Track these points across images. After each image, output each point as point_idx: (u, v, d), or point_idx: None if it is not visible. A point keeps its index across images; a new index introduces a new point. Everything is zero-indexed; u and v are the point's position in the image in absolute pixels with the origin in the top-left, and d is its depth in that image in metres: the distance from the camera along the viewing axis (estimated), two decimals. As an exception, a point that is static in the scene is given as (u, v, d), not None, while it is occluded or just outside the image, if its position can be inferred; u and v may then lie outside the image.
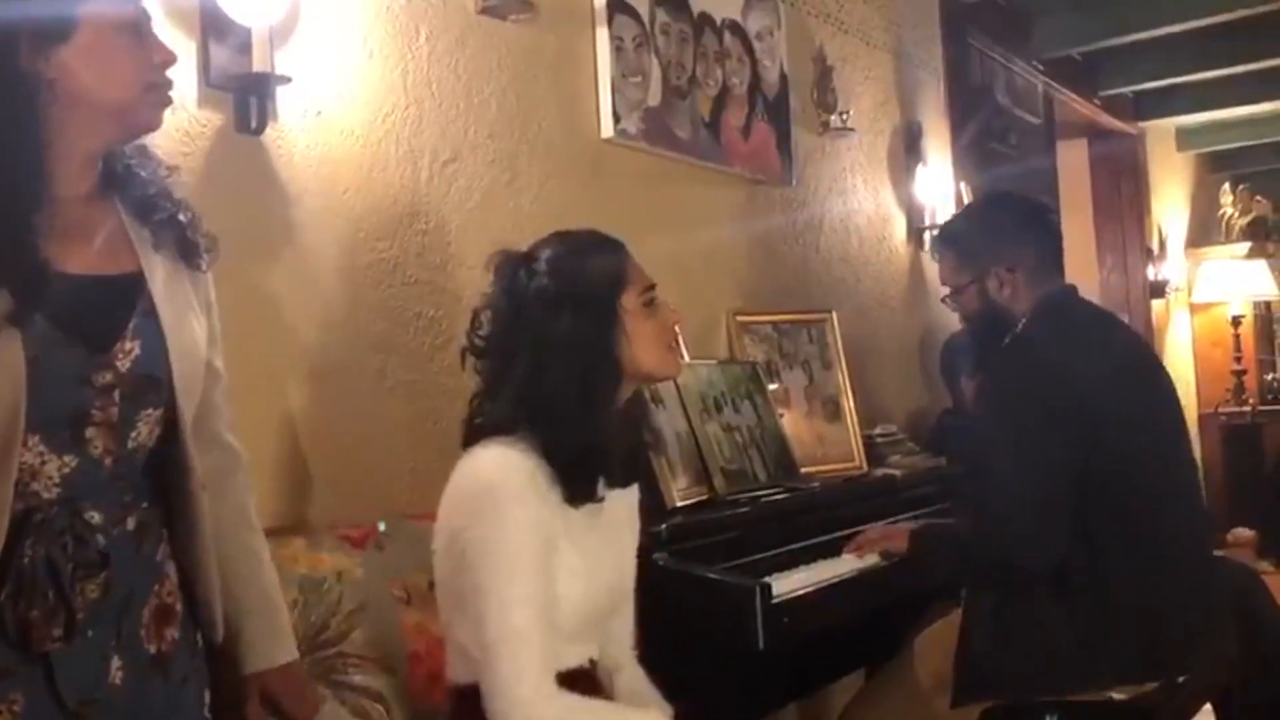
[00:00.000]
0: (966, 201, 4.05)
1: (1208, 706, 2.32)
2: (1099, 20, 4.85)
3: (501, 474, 1.43)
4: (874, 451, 2.95)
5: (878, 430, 3.07)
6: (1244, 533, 5.48)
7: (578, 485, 1.47)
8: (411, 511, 1.84)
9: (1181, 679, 1.96)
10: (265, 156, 1.86)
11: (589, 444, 1.47)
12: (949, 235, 2.32)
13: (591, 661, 1.54)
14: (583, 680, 1.49)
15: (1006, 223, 2.20)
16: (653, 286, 1.58)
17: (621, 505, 1.59)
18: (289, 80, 1.83)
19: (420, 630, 1.71)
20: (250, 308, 1.80)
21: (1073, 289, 2.17)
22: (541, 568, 1.42)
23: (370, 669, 1.67)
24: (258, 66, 1.77)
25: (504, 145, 2.29)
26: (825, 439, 2.87)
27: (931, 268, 3.84)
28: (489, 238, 2.14)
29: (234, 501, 1.40)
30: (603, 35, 2.50)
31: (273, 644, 1.41)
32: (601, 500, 1.51)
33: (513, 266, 1.55)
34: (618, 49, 2.53)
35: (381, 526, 1.80)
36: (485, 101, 2.25)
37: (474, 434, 1.51)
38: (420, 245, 2.09)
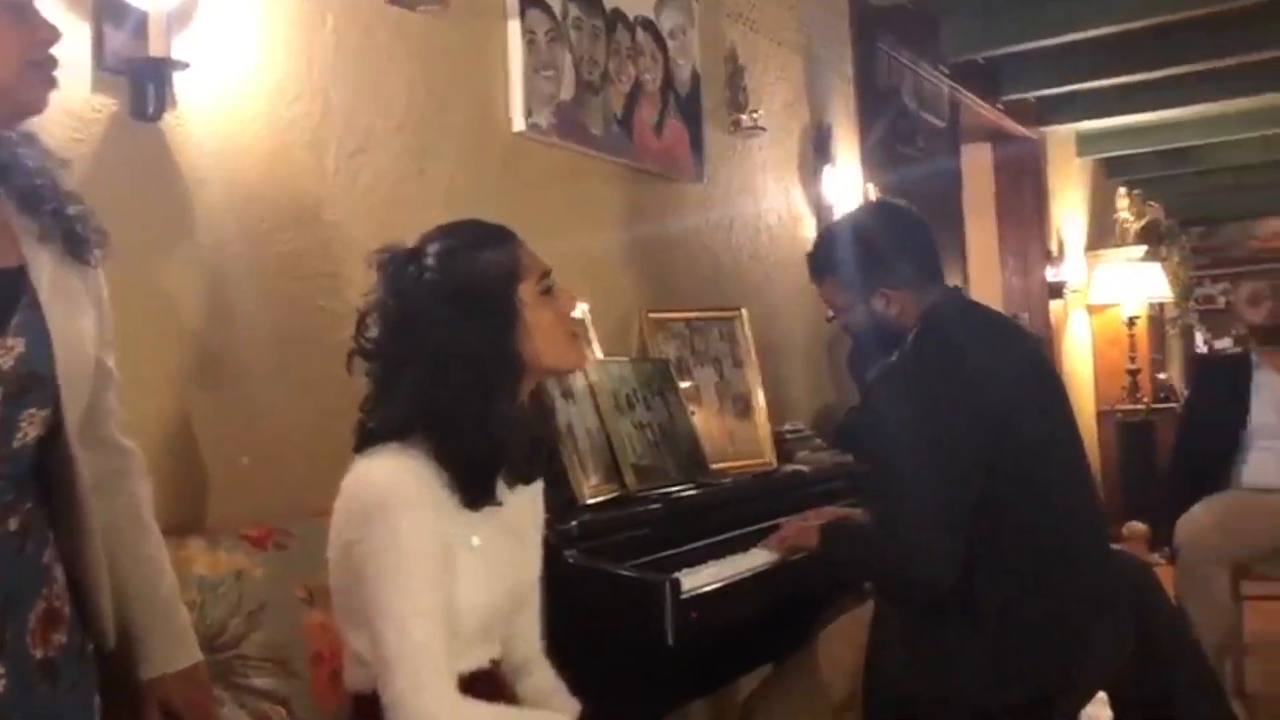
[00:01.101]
0: (872, 201, 4.11)
1: (1102, 695, 2.39)
2: (1002, 26, 4.97)
3: (394, 483, 1.38)
4: (783, 448, 2.97)
5: (787, 427, 3.10)
6: (1138, 526, 5.67)
7: (476, 489, 1.43)
8: (315, 509, 1.79)
9: (1080, 675, 2.00)
10: (162, 144, 1.80)
11: (488, 448, 1.43)
12: (825, 259, 2.21)
13: (494, 662, 1.51)
14: (484, 681, 1.46)
15: (884, 242, 2.13)
16: (549, 273, 1.53)
17: (524, 503, 1.56)
18: (187, 66, 1.77)
19: (323, 631, 1.68)
20: (146, 301, 1.74)
21: (956, 292, 2.16)
22: (438, 577, 1.38)
23: (271, 671, 1.63)
24: (154, 51, 1.71)
25: (413, 137, 2.25)
26: (736, 436, 2.88)
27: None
28: (397, 231, 2.07)
29: (127, 503, 1.36)
30: (514, 28, 2.48)
31: (169, 649, 1.37)
32: (501, 503, 1.47)
33: (399, 264, 1.48)
34: (530, 42, 2.51)
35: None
36: (393, 93, 2.21)
37: (366, 439, 1.45)
38: (325, 238, 2.05)
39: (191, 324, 1.84)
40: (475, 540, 1.46)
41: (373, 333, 1.49)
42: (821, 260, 2.22)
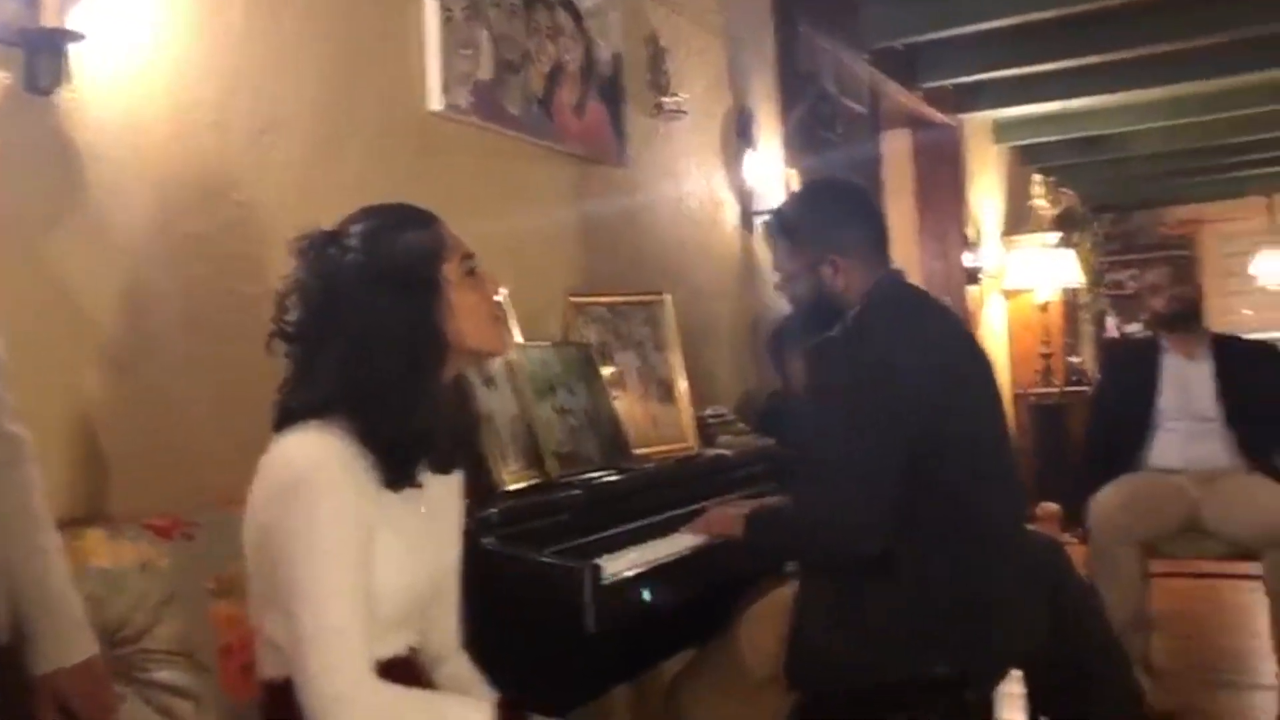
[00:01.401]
0: (794, 187, 4.13)
1: (1016, 673, 2.44)
2: (921, 13, 5.03)
3: (314, 462, 1.36)
4: (706, 432, 2.97)
5: (709, 411, 3.10)
6: (1050, 506, 5.80)
7: (398, 470, 1.42)
8: (225, 498, 1.74)
9: (995, 651, 2.04)
10: (57, 119, 1.72)
11: (411, 428, 1.42)
12: (782, 223, 2.30)
13: (411, 649, 1.50)
14: (402, 669, 1.44)
15: (839, 210, 2.22)
16: (472, 255, 1.53)
17: (445, 489, 1.55)
18: (82, 38, 1.70)
19: (233, 623, 1.63)
20: (41, 284, 1.67)
21: (901, 274, 2.22)
22: (358, 559, 1.36)
23: (177, 665, 1.58)
24: (47, 21, 1.64)
25: (325, 115, 2.19)
26: (659, 420, 2.87)
27: (763, 251, 3.90)
28: (309, 211, 2.01)
29: (16, 495, 1.30)
30: (431, 5, 2.42)
31: (63, 642, 1.32)
32: (422, 485, 1.46)
33: (320, 245, 1.47)
34: (447, 19, 2.46)
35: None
36: (304, 70, 2.15)
37: (286, 418, 1.43)
38: (233, 218, 1.98)
39: (90, 307, 1.77)
40: (423, 509, 1.47)
41: (293, 315, 1.47)
42: (779, 220, 2.29)
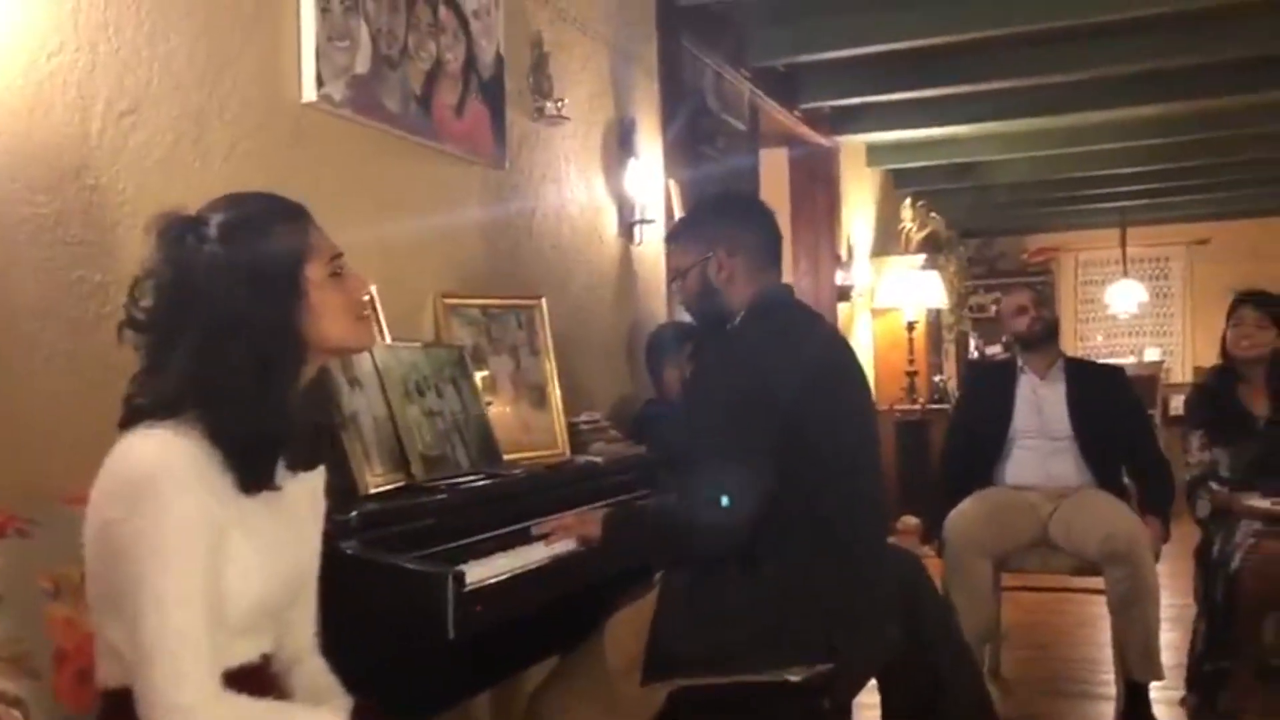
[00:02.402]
0: (674, 197, 4.17)
1: (873, 683, 2.49)
2: (801, 36, 5.13)
3: (162, 461, 1.30)
4: (578, 439, 2.96)
5: (583, 418, 3.09)
6: (911, 520, 5.97)
7: (252, 472, 1.37)
8: (66, 495, 1.65)
9: (852, 658, 2.08)
10: (-106, 88, 1.62)
11: (266, 428, 1.37)
12: (681, 221, 2.41)
13: (264, 656, 1.44)
14: (254, 676, 1.39)
15: (732, 213, 2.32)
16: (339, 255, 1.48)
17: (303, 490, 1.50)
18: (-75, 2, 1.60)
19: (70, 626, 1.54)
20: None
21: (789, 288, 2.29)
22: (206, 564, 1.30)
23: (6, 671, 1.48)
24: (-114, -18, 1.54)
25: (192, 100, 2.11)
26: (530, 426, 2.85)
27: (640, 259, 3.92)
28: (170, 198, 1.93)
29: None
30: (308, -7, 2.36)
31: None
32: (279, 488, 1.41)
33: (179, 231, 1.40)
34: (324, 10, 2.39)
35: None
36: (171, 51, 2.06)
37: (134, 415, 1.36)
38: (87, 202, 1.89)
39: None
40: (280, 510, 1.42)
41: (146, 302, 1.40)
42: (681, 220, 2.42)
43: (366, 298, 1.54)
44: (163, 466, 1.30)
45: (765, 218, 2.34)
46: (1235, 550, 3.19)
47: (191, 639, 1.27)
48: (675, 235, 2.37)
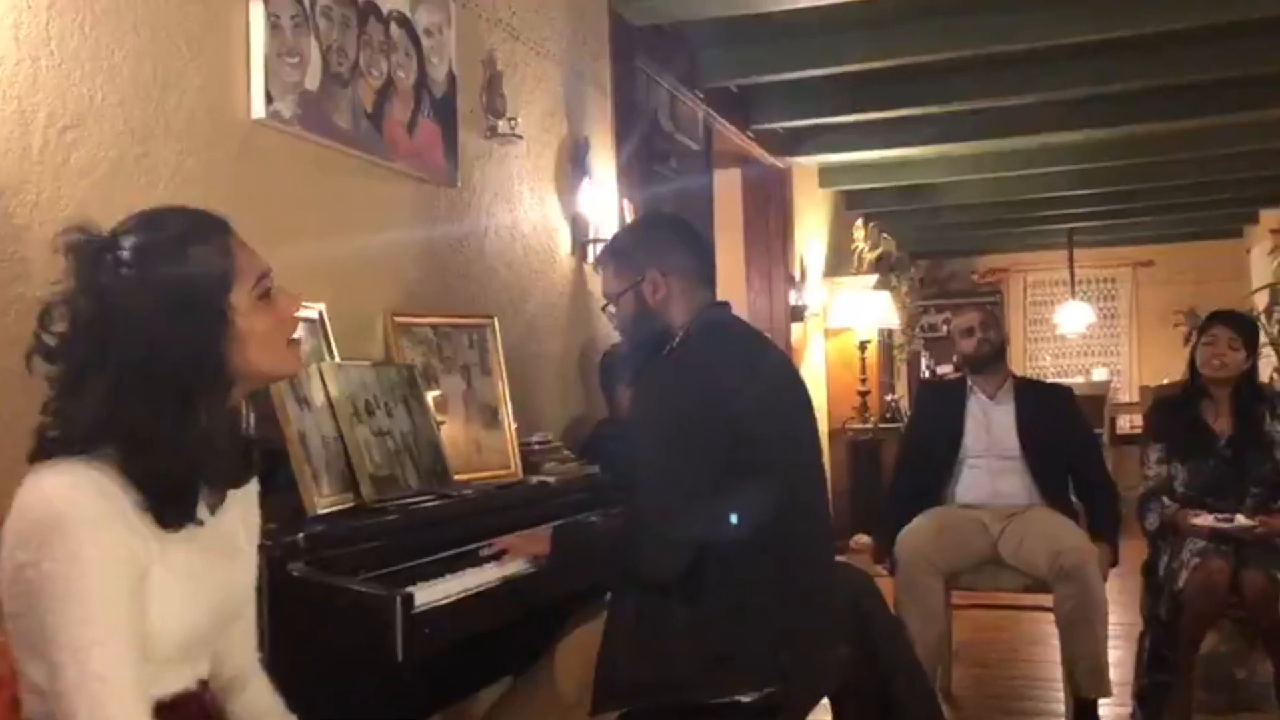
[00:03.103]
0: (628, 217, 4.17)
1: (825, 702, 2.49)
2: (754, 57, 5.17)
3: (73, 500, 1.23)
4: (530, 459, 2.94)
5: (535, 438, 3.07)
6: (863, 539, 6.01)
7: (172, 510, 1.30)
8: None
9: (803, 679, 2.08)
10: None
11: (185, 465, 1.30)
12: (610, 246, 2.38)
13: (201, 682, 1.40)
14: (190, 704, 1.35)
15: (663, 234, 2.29)
16: (267, 273, 1.40)
17: (233, 510, 1.44)
18: None
19: (2, 653, 1.50)
20: None
21: (727, 306, 2.27)
22: (125, 601, 1.25)
23: (-67, 701, 1.43)
24: None
25: (137, 115, 2.07)
26: (482, 446, 2.83)
27: (594, 280, 3.91)
28: (115, 215, 1.92)
29: None
30: (257, 9, 2.34)
31: None
32: (201, 522, 1.35)
33: (92, 253, 1.31)
34: (274, 25, 2.37)
35: None
36: (117, 65, 2.03)
37: (45, 448, 1.29)
38: (27, 219, 1.85)
39: None
40: (206, 536, 1.34)
41: (58, 328, 1.32)
42: (610, 244, 2.37)
43: (299, 317, 1.46)
44: (73, 505, 1.23)
45: (696, 237, 2.34)
46: (1180, 568, 3.23)
47: (113, 681, 1.21)
48: (605, 259, 2.34)
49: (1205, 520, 3.25)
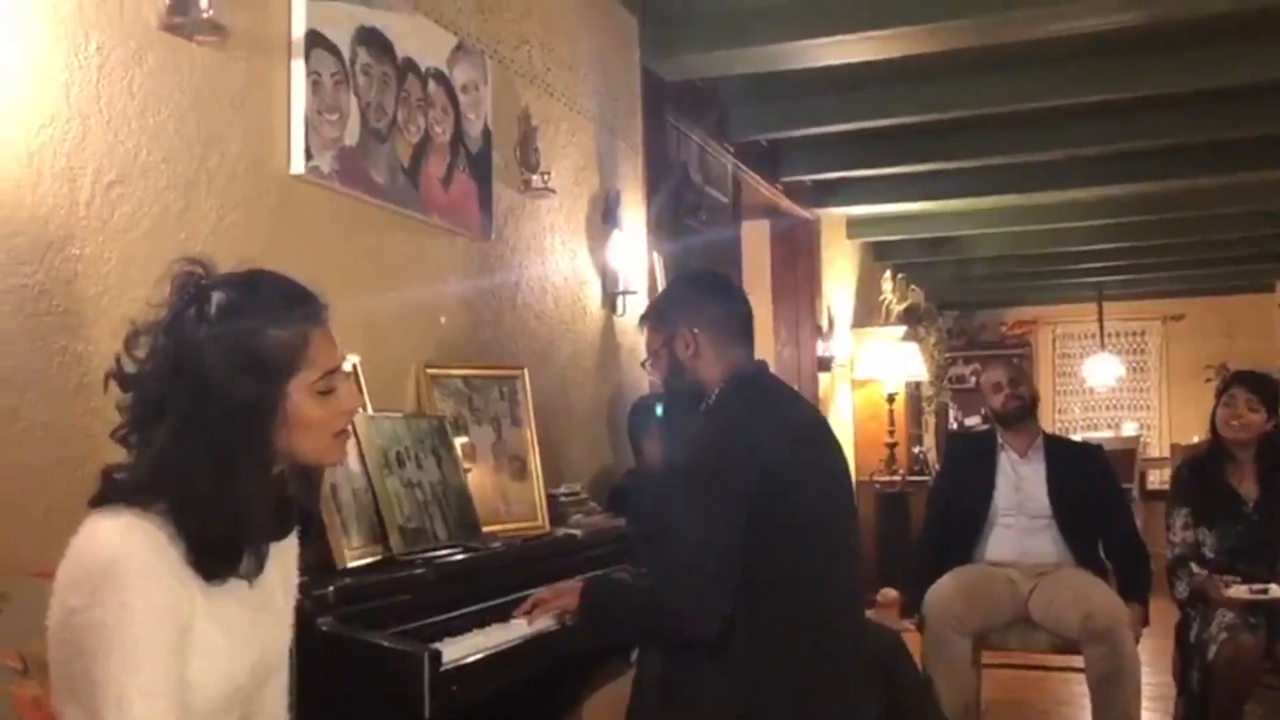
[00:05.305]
0: (658, 269, 4.21)
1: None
2: (784, 112, 5.23)
3: (125, 549, 1.26)
4: (556, 510, 2.95)
5: (562, 490, 3.08)
6: (890, 593, 5.94)
7: (214, 566, 1.33)
8: (40, 569, 1.63)
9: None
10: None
11: (225, 524, 1.32)
12: (650, 304, 2.43)
13: (233, 737, 1.41)
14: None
15: (700, 292, 2.34)
16: (336, 370, 1.43)
17: (273, 568, 1.46)
18: (-76, 76, 1.61)
19: (38, 706, 1.51)
20: None
21: (763, 364, 2.30)
22: (168, 654, 1.27)
23: (-29, 752, 1.45)
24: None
25: (180, 171, 2.12)
26: (510, 497, 2.84)
27: (623, 330, 3.94)
28: (155, 269, 1.95)
29: None
30: (299, 68, 2.39)
31: None
32: (244, 578, 1.37)
33: (187, 299, 1.36)
34: (315, 83, 2.42)
35: None
36: (162, 123, 2.08)
37: (108, 491, 1.33)
38: (72, 272, 1.89)
39: (-95, 358, 1.65)
40: (248, 591, 1.37)
41: (140, 353, 1.36)
42: (650, 304, 2.44)
43: (352, 414, 1.47)
44: (125, 555, 1.26)
45: (730, 293, 2.36)
46: (1211, 641, 3.17)
47: None
48: (645, 316, 2.40)
49: (1238, 592, 3.19)
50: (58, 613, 1.29)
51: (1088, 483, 3.67)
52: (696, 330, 2.20)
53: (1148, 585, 3.58)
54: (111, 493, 1.33)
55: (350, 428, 1.53)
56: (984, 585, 3.56)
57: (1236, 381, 3.50)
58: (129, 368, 1.37)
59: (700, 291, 2.33)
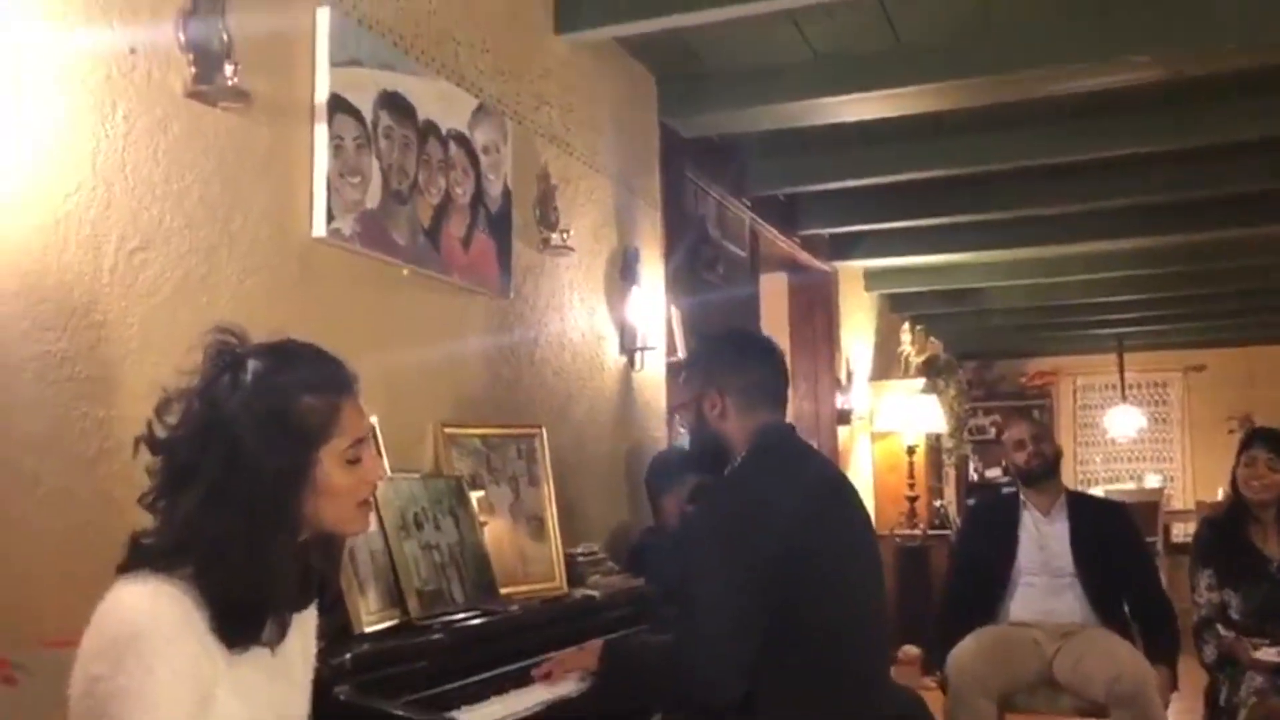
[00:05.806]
0: (676, 325, 4.21)
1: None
2: (802, 167, 5.26)
3: (150, 617, 1.28)
4: (575, 570, 2.93)
5: (580, 549, 3.06)
6: (912, 650, 5.86)
7: (237, 634, 1.34)
8: (60, 638, 1.62)
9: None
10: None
11: (253, 593, 1.34)
12: (686, 358, 2.44)
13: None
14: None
15: (732, 353, 2.35)
16: (364, 440, 1.46)
17: (294, 634, 1.46)
18: (-47, 146, 1.63)
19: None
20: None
21: (790, 428, 2.29)
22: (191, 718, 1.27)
23: (-14, 827, 1.44)
24: (-86, 128, 1.57)
25: (202, 236, 2.14)
26: (528, 557, 2.82)
27: (640, 386, 3.93)
28: (177, 334, 1.98)
29: None
30: (321, 132, 2.41)
31: None
32: (267, 645, 1.39)
33: (221, 365, 1.39)
34: (337, 147, 2.45)
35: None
36: (186, 188, 2.10)
37: (135, 557, 1.34)
38: (95, 338, 1.90)
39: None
40: (269, 661, 1.38)
41: (171, 419, 1.39)
42: (686, 358, 2.40)
43: (376, 484, 1.51)
44: (149, 624, 1.27)
45: (764, 356, 2.35)
46: (1240, 705, 3.11)
47: None
48: (681, 369, 2.42)
49: (1267, 654, 3.14)
50: (81, 680, 1.30)
51: (1112, 541, 3.62)
52: (724, 393, 2.21)
53: (1175, 647, 3.51)
54: (138, 558, 1.34)
55: (372, 498, 1.54)
56: (1008, 646, 3.51)
57: (1257, 440, 3.46)
58: (160, 433, 1.39)
59: (735, 354, 2.33)
